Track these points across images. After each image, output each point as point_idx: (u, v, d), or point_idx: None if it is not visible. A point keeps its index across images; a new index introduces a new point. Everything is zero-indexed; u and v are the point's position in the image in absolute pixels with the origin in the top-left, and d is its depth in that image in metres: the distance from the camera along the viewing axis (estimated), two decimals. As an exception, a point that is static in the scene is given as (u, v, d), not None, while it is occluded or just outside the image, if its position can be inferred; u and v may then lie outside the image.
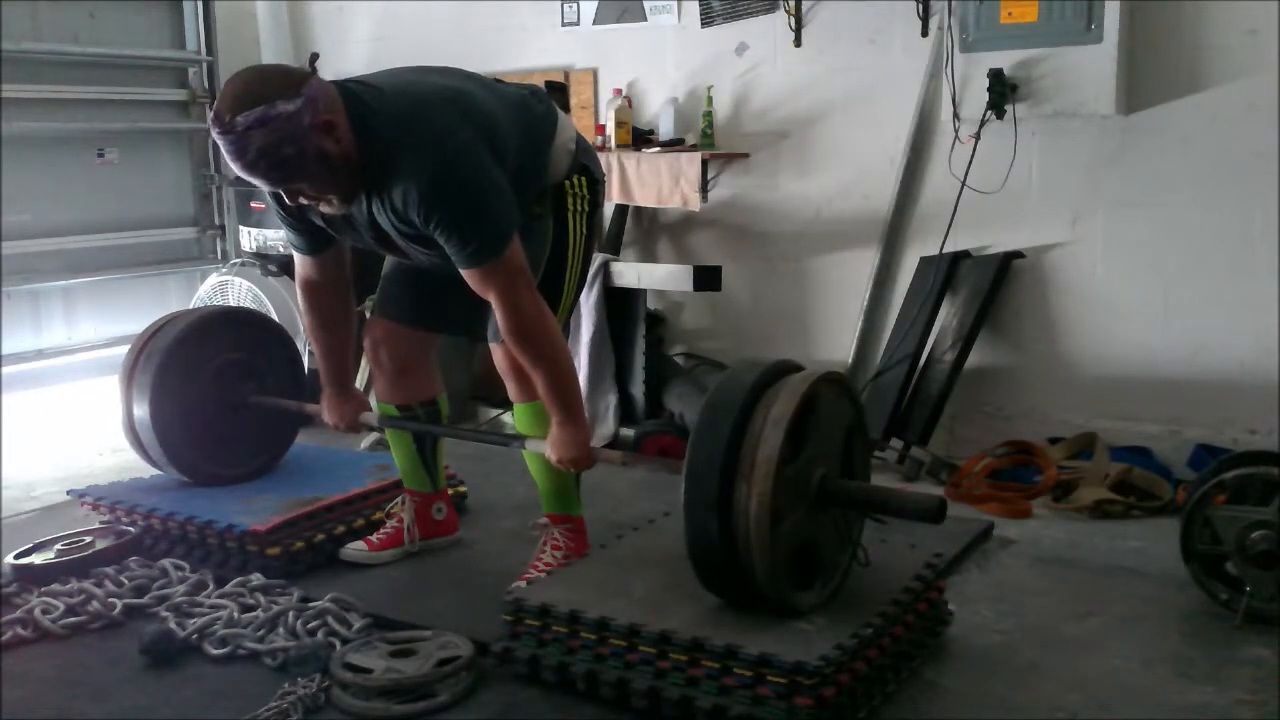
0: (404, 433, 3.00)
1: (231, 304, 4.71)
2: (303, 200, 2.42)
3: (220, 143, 2.28)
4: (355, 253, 2.81)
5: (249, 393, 3.31)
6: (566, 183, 2.66)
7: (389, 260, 2.90)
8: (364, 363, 4.55)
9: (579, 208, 2.69)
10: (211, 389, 3.25)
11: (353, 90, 2.40)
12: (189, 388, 3.20)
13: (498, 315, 2.47)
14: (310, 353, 3.30)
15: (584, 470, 2.64)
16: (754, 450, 2.15)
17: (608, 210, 4.74)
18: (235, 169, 2.31)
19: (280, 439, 3.47)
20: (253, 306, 4.56)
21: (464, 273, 2.43)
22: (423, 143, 2.35)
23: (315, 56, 2.41)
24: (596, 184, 2.74)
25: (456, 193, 2.35)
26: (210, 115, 2.28)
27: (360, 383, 4.55)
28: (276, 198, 2.53)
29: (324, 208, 2.46)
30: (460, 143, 2.38)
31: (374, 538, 3.04)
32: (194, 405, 3.21)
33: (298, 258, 2.78)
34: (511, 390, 2.78)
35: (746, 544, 2.15)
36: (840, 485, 2.32)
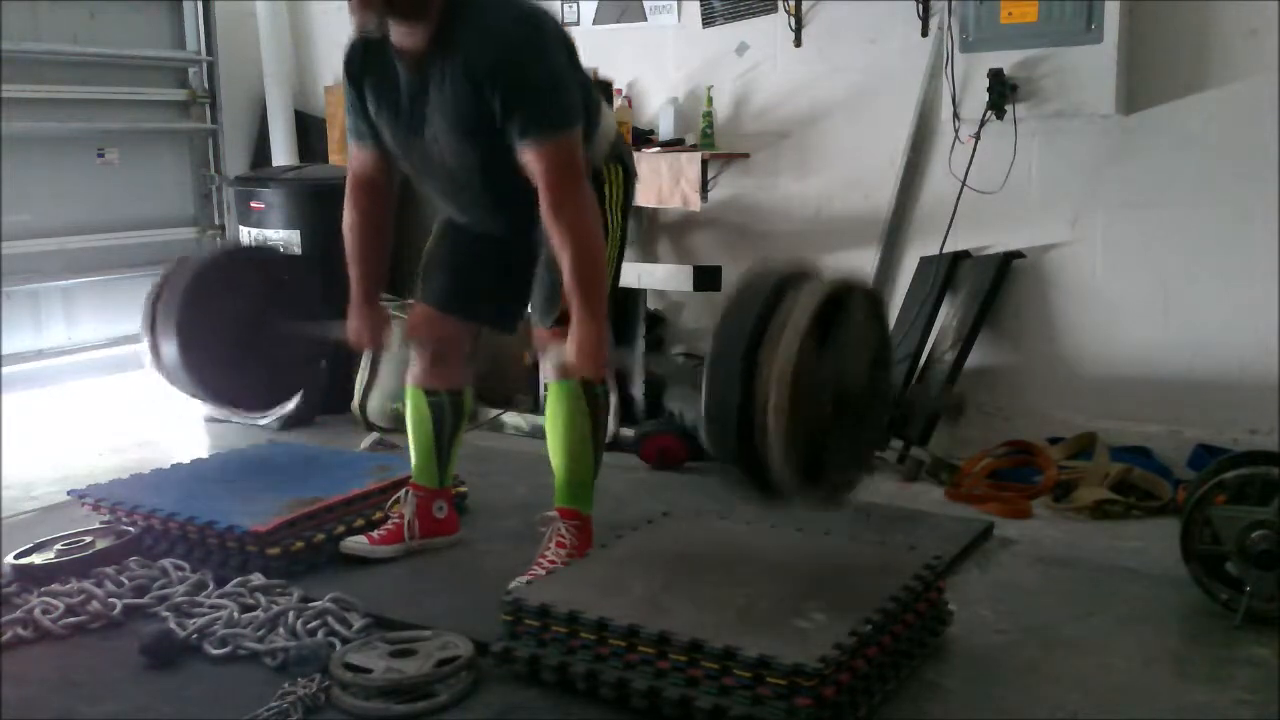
0: (425, 420, 3.02)
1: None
2: (370, 28, 2.48)
3: None
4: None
5: (273, 319, 3.24)
6: (605, 169, 2.70)
7: (429, 250, 2.92)
8: (363, 361, 4.56)
9: (615, 195, 2.73)
10: (238, 319, 3.19)
11: None
12: (213, 321, 3.14)
13: (546, 190, 2.47)
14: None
15: (600, 375, 2.59)
16: (782, 326, 2.12)
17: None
18: None
19: (306, 366, 3.46)
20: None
21: (523, 146, 2.45)
22: (510, 11, 2.44)
23: None
24: (630, 177, 2.79)
25: (534, 59, 2.43)
26: None
27: (360, 383, 4.56)
28: (347, 69, 2.63)
29: (398, 37, 2.50)
30: (545, 25, 2.49)
31: (375, 533, 3.05)
32: (220, 336, 3.15)
33: (353, 152, 2.79)
34: (549, 369, 2.79)
35: (764, 413, 2.11)
36: (860, 385, 2.27)
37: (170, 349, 3.09)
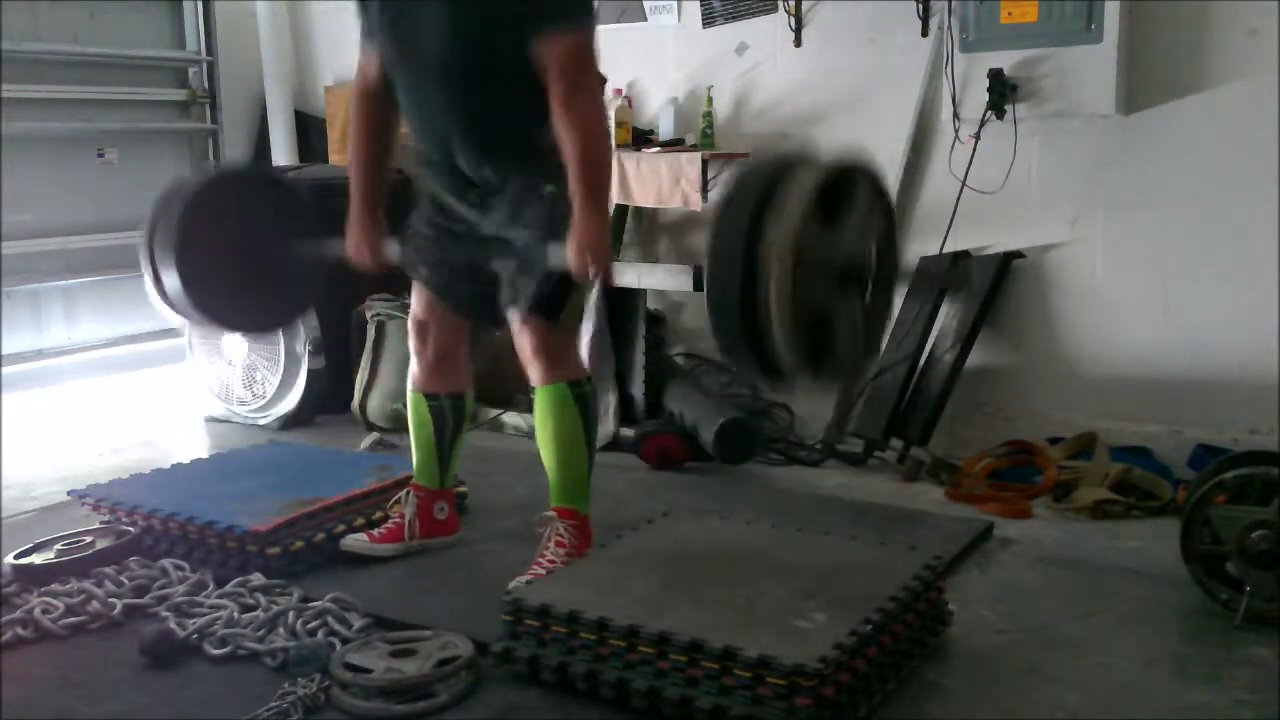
0: (426, 424, 3.01)
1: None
2: None
3: None
4: None
5: (271, 240, 3.14)
6: None
7: (420, 230, 2.87)
8: (363, 361, 4.56)
9: None
10: (233, 242, 3.08)
11: None
12: (211, 244, 3.03)
13: (559, 80, 2.47)
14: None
15: (601, 269, 2.53)
16: (783, 204, 2.08)
17: (608, 210, 4.74)
18: None
19: (306, 289, 3.34)
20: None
21: (540, 38, 2.45)
22: None
23: None
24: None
25: None
26: None
27: (360, 383, 4.56)
28: None
29: None
30: None
31: (375, 531, 3.05)
32: (219, 262, 3.04)
33: (361, 56, 2.77)
34: (534, 374, 2.78)
35: (767, 290, 2.08)
36: (864, 263, 2.24)
37: (170, 276, 2.99)
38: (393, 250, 2.88)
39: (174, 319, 3.18)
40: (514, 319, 2.73)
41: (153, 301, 3.13)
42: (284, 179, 3.57)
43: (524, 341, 2.75)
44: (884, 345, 4.14)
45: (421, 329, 2.95)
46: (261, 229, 3.12)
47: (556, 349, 2.76)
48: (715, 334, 2.21)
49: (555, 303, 2.68)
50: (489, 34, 2.52)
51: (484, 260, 2.73)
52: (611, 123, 4.55)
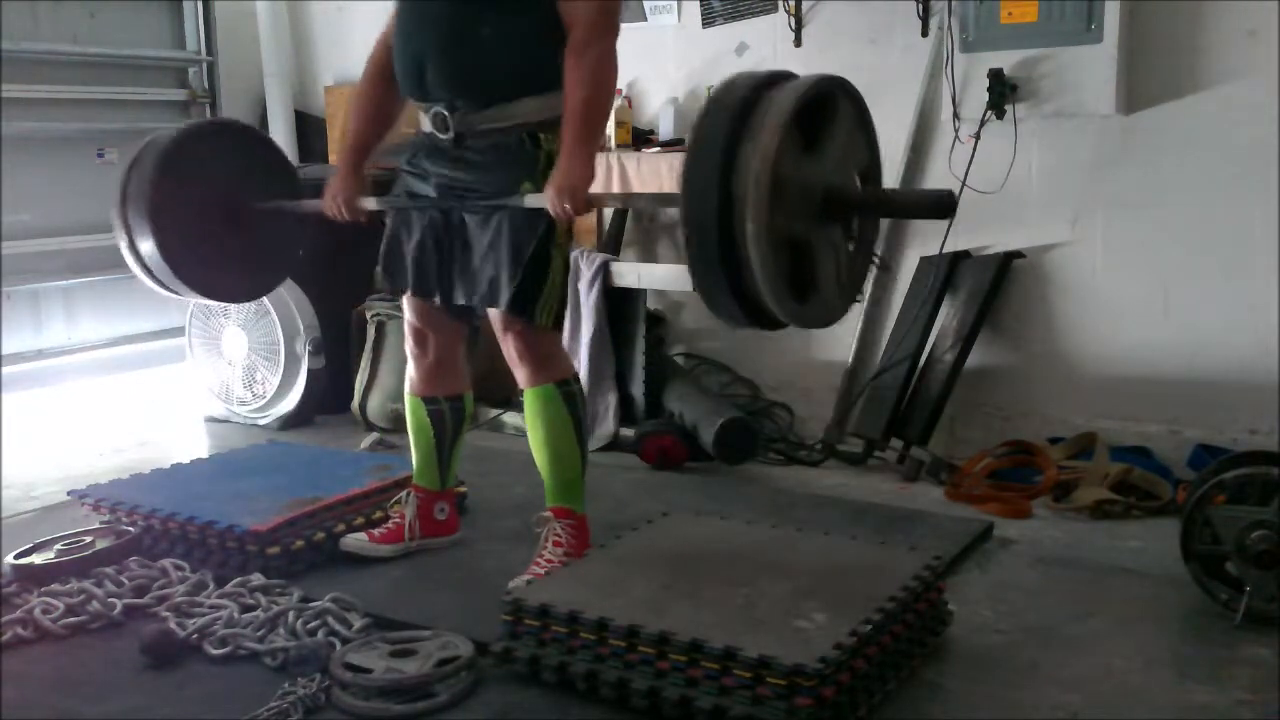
0: (425, 427, 3.01)
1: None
2: None
3: None
4: None
5: (246, 199, 3.11)
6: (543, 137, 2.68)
7: (398, 231, 2.85)
8: (363, 361, 4.56)
9: None
10: (209, 201, 3.05)
11: None
12: (186, 204, 3.00)
13: (579, 27, 2.51)
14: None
15: (579, 211, 2.53)
16: (763, 115, 2.03)
17: (608, 211, 4.74)
18: None
19: (286, 250, 3.30)
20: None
21: None
22: None
23: None
24: None
25: None
26: None
27: (360, 383, 4.56)
28: None
29: None
30: None
31: (375, 531, 3.05)
32: (194, 221, 3.02)
33: (391, 16, 2.76)
34: (521, 376, 2.78)
35: (743, 221, 2.01)
36: (846, 190, 2.17)
37: (145, 240, 2.95)
38: (369, 205, 2.85)
39: (150, 284, 3.11)
40: (495, 321, 2.74)
41: (130, 266, 3.07)
42: (260, 133, 3.50)
43: (508, 345, 2.76)
44: (881, 348, 4.18)
45: (419, 335, 2.95)
46: (238, 186, 3.07)
47: (540, 350, 2.76)
48: (691, 271, 2.14)
49: (529, 298, 2.66)
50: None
51: (459, 254, 2.73)
52: (612, 124, 4.57)
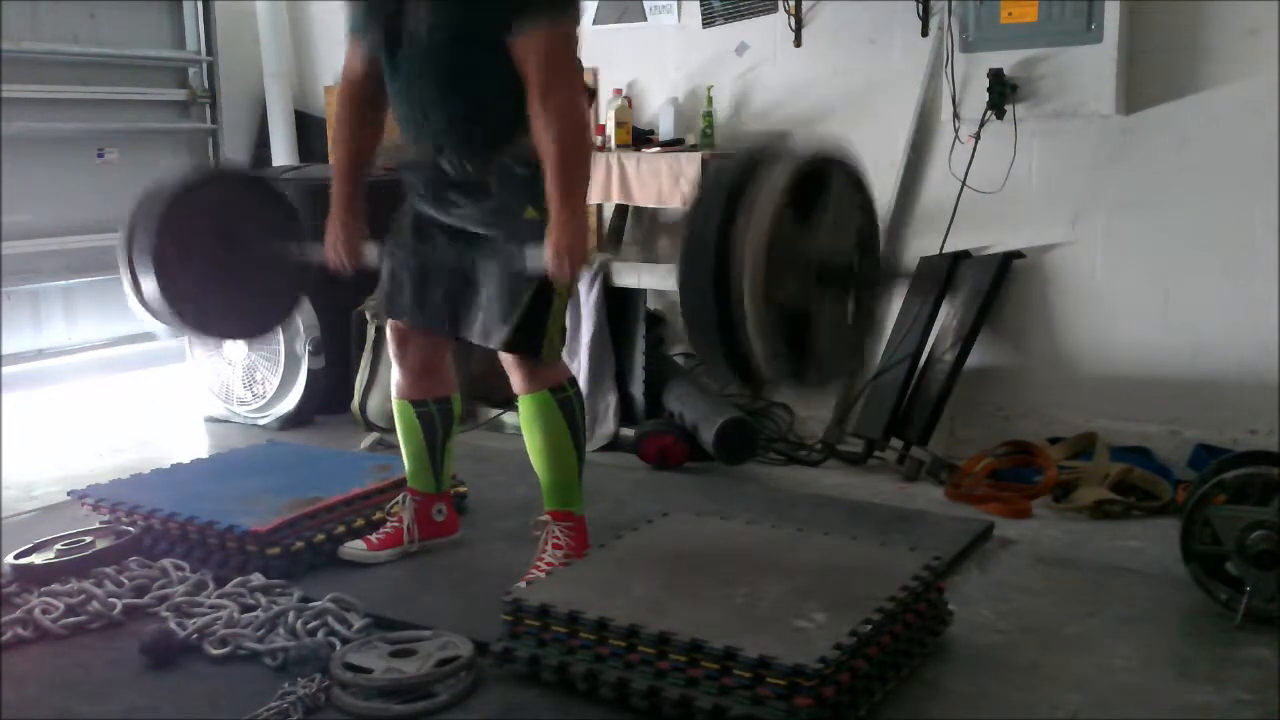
0: (415, 430, 3.01)
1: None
2: None
3: None
4: None
5: (250, 244, 3.10)
6: None
7: (394, 259, 2.86)
8: (363, 361, 4.56)
9: None
10: (215, 247, 3.04)
11: None
12: (191, 247, 3.00)
13: (537, 73, 2.44)
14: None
15: (579, 269, 2.54)
16: (757, 192, 2.04)
17: (608, 210, 4.75)
18: None
19: (289, 294, 3.28)
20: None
21: (519, 35, 2.43)
22: None
23: None
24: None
25: None
26: None
27: (360, 383, 4.56)
28: None
29: None
30: None
31: (373, 537, 3.05)
32: (198, 270, 3.01)
33: (349, 48, 2.75)
34: (515, 382, 2.78)
35: (740, 288, 2.03)
36: (846, 261, 2.19)
37: (149, 282, 2.96)
38: (371, 253, 2.85)
39: (153, 324, 3.11)
40: (502, 355, 2.74)
41: (132, 307, 3.08)
42: (264, 179, 3.52)
43: (504, 359, 2.76)
44: (881, 348, 4.18)
45: (401, 338, 2.94)
46: (241, 232, 3.08)
47: (537, 365, 2.76)
48: (689, 335, 2.17)
49: (533, 335, 2.67)
50: (474, 27, 2.50)
51: (463, 286, 2.74)
52: (612, 124, 4.57)
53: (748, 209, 2.03)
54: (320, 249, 2.86)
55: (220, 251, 3.04)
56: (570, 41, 2.49)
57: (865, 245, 2.28)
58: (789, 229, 2.05)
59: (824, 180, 2.15)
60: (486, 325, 2.70)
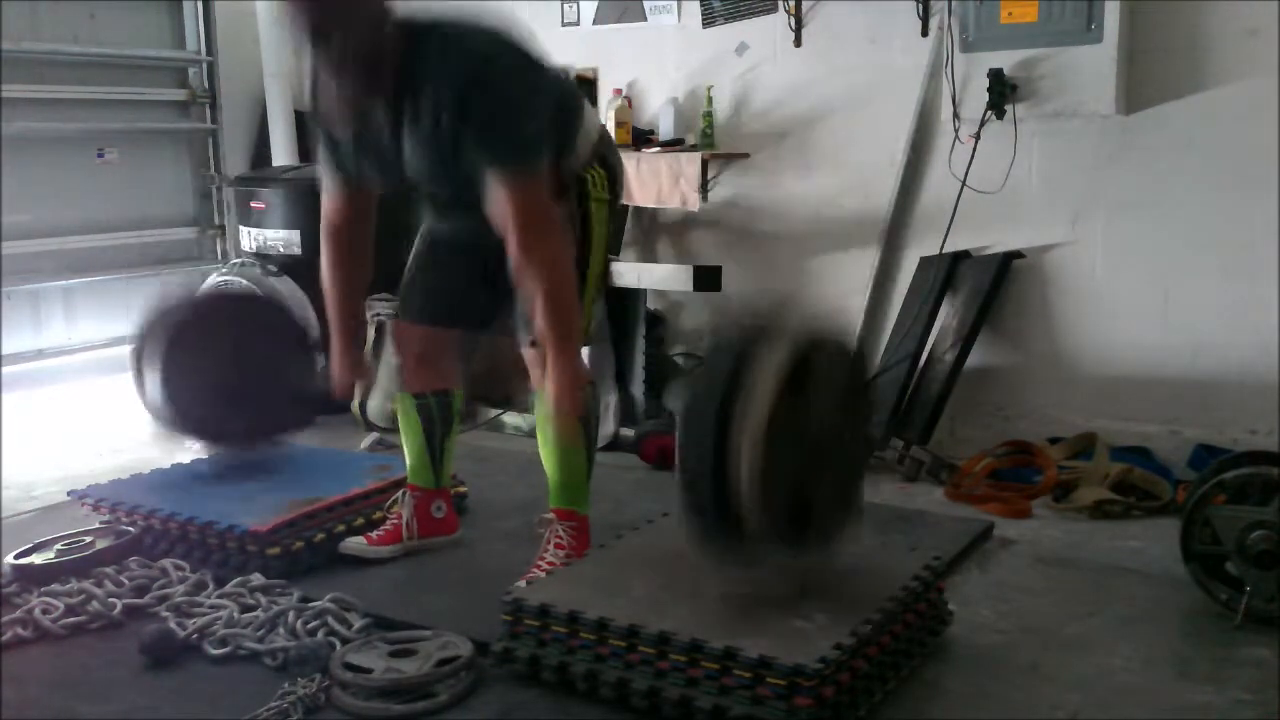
0: (415, 424, 3.01)
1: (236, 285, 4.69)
2: (323, 84, 2.45)
3: None
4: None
5: (259, 370, 3.27)
6: (587, 173, 2.67)
7: (411, 266, 2.91)
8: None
9: (599, 192, 2.69)
10: (224, 365, 3.23)
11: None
12: (202, 365, 3.19)
13: (512, 228, 2.43)
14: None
15: (579, 410, 2.59)
16: (749, 398, 2.12)
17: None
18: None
19: (296, 408, 3.47)
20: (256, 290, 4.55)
21: (490, 174, 2.41)
22: (472, 38, 2.41)
23: None
24: (616, 176, 2.76)
25: (500, 84, 2.38)
26: None
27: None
28: (315, 112, 2.58)
29: (339, 88, 2.45)
30: (508, 45, 2.44)
31: (373, 533, 3.05)
32: (209, 377, 3.20)
33: (326, 194, 2.76)
34: (535, 377, 2.77)
35: (738, 484, 2.12)
36: (838, 441, 2.27)
37: (158, 398, 3.16)
38: (375, 377, 3.01)
39: (161, 430, 3.34)
40: (527, 348, 2.74)
41: (141, 408, 3.29)
42: (270, 299, 3.69)
43: (527, 353, 2.76)
44: (881, 348, 4.18)
45: (400, 329, 2.96)
46: (248, 354, 3.28)
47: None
48: (689, 523, 2.26)
49: None
50: (468, 168, 2.48)
51: (472, 283, 2.77)
52: (612, 124, 4.57)
53: (743, 410, 2.13)
54: (324, 377, 2.96)
55: (228, 373, 3.25)
56: (538, 189, 2.44)
57: (856, 413, 2.41)
58: (783, 420, 2.14)
59: (815, 359, 2.23)
60: (515, 320, 2.70)
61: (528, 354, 2.74)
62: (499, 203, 2.42)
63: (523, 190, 2.41)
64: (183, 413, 3.21)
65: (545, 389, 2.56)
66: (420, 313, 2.92)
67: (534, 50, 2.54)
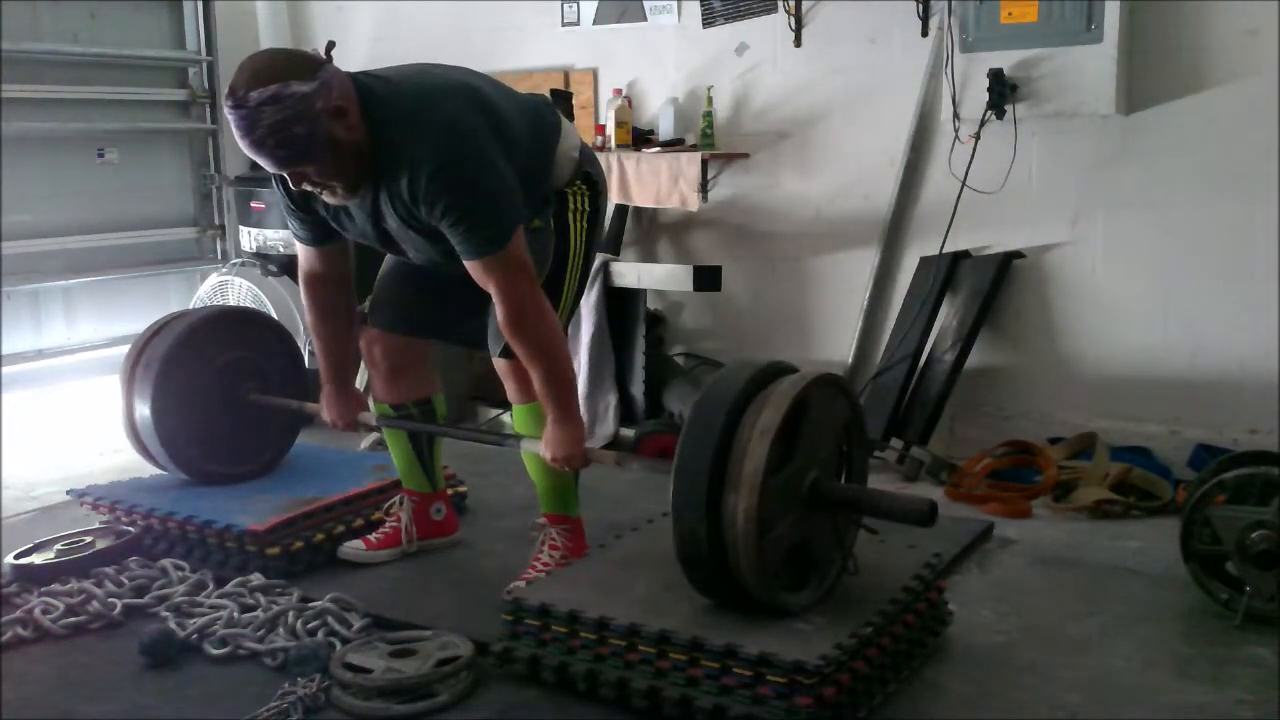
0: (400, 432, 3.01)
1: (232, 303, 4.71)
2: (307, 186, 2.41)
3: (231, 118, 2.29)
4: (355, 249, 2.81)
5: (250, 391, 3.31)
6: (568, 190, 2.68)
7: (385, 264, 2.90)
8: (364, 364, 4.56)
9: (579, 207, 2.70)
10: (213, 388, 3.25)
11: (364, 82, 2.41)
12: (191, 387, 3.20)
13: (498, 308, 2.47)
14: (311, 352, 3.29)
15: (579, 470, 2.65)
16: (741, 461, 2.15)
17: (608, 210, 4.74)
18: (243, 146, 2.32)
19: (282, 438, 3.47)
20: (253, 306, 4.56)
21: (467, 263, 2.44)
22: (431, 130, 2.36)
23: (331, 45, 2.42)
24: (598, 190, 2.75)
25: (463, 180, 2.36)
26: (226, 91, 2.31)
27: (360, 384, 4.56)
28: (281, 183, 2.54)
29: (327, 196, 2.45)
30: (468, 129, 2.39)
31: (372, 537, 3.05)
32: (196, 404, 3.22)
33: (301, 250, 2.76)
34: (510, 391, 2.78)
35: (735, 551, 2.15)
36: (832, 488, 2.31)
37: (148, 432, 3.17)
38: (368, 417, 2.98)
39: (148, 461, 3.34)
40: (498, 360, 2.75)
41: (127, 438, 3.30)
42: (266, 319, 3.69)
43: (498, 364, 2.76)
44: (881, 348, 4.18)
45: (370, 341, 2.94)
46: (240, 383, 3.30)
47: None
48: (687, 576, 2.28)
49: None
50: (444, 250, 2.50)
51: (442, 291, 2.77)
52: (612, 124, 4.57)
53: (735, 473, 2.16)
54: (318, 407, 3.00)
55: (222, 399, 3.27)
56: (513, 262, 2.43)
57: (848, 452, 2.43)
58: (777, 473, 2.17)
59: (807, 409, 2.24)
60: (484, 332, 2.71)
61: (499, 365, 2.74)
62: (480, 279, 2.45)
63: (502, 269, 2.42)
64: (174, 455, 3.22)
65: (545, 444, 2.58)
66: (392, 323, 2.90)
67: (495, 99, 2.50)
